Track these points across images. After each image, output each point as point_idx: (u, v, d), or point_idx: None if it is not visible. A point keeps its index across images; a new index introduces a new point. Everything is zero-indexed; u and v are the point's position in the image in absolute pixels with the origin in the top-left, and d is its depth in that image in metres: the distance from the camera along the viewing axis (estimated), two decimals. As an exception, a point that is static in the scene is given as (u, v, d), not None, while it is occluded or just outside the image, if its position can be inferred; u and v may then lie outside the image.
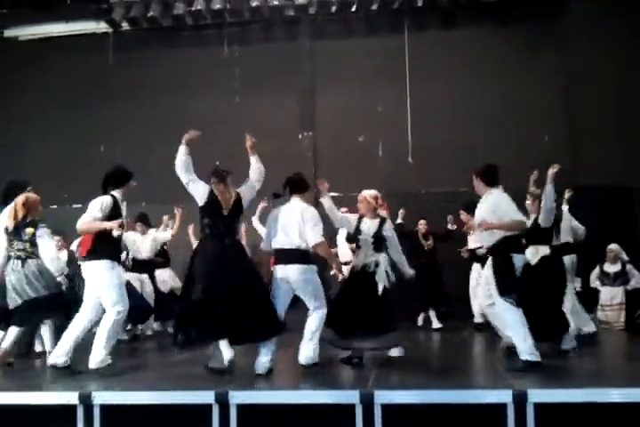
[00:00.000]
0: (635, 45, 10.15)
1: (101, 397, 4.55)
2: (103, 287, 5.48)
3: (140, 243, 8.42)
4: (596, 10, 10.27)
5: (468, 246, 8.86)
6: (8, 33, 11.74)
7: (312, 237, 5.36)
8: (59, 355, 5.48)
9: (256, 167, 5.61)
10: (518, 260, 5.50)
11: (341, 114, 10.84)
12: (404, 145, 10.62)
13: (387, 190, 9.40)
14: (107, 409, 4.53)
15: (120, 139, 11.11)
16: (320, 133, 10.99)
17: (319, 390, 4.68)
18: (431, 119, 10.62)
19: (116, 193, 5.69)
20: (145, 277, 8.35)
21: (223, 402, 4.43)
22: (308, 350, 5.41)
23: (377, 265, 5.74)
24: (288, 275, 5.36)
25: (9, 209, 6.05)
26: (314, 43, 11.22)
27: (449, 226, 9.00)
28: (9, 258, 5.96)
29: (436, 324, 8.91)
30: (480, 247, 8.30)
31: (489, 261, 5.61)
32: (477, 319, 8.67)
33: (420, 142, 10.59)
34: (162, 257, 8.99)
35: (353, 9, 10.88)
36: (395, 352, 5.83)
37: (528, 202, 6.84)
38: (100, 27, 11.51)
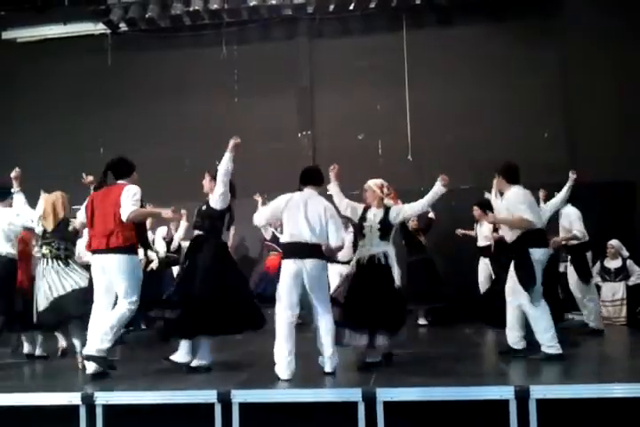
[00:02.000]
0: (633, 41, 10.14)
1: (104, 397, 4.55)
2: (125, 278, 5.29)
3: None
4: (594, 6, 10.27)
5: (474, 234, 9.02)
6: (6, 35, 11.73)
7: (336, 238, 5.16)
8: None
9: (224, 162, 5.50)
10: (537, 254, 5.64)
11: (340, 112, 10.84)
12: (403, 143, 10.62)
13: (387, 188, 9.45)
14: (109, 409, 4.53)
15: (119, 140, 11.07)
16: (319, 132, 10.99)
17: (321, 389, 4.69)
18: (430, 117, 10.61)
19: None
20: None
21: (225, 401, 4.43)
22: (333, 360, 5.16)
23: (386, 257, 5.52)
24: (305, 269, 5.08)
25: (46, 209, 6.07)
26: (312, 41, 11.21)
27: (430, 215, 9.02)
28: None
29: (421, 320, 9.01)
30: (488, 246, 8.53)
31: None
32: None
33: (419, 140, 10.59)
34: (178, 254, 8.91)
35: (351, 8, 10.86)
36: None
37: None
38: (98, 28, 11.50)
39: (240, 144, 5.44)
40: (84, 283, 5.92)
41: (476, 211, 8.35)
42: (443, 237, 9.35)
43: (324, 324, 5.16)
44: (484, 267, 8.89)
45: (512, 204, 5.74)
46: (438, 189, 5.68)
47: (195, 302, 5.36)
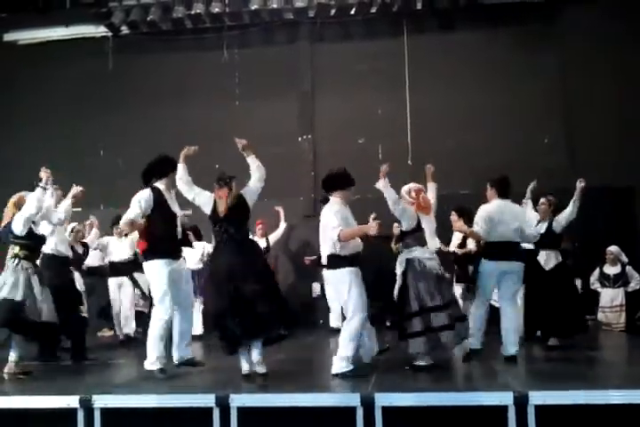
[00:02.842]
0: (633, 45, 10.16)
1: (102, 400, 4.55)
2: (153, 287, 5.45)
3: (116, 246, 8.38)
4: (594, 11, 10.28)
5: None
6: (8, 37, 11.72)
7: (331, 235, 5.21)
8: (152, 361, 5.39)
9: (256, 166, 5.57)
10: (487, 266, 6.12)
11: (341, 116, 10.84)
12: (403, 147, 10.63)
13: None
14: (107, 413, 4.53)
15: (120, 143, 11.11)
16: (320, 136, 10.99)
17: (320, 393, 4.67)
18: (431, 122, 10.62)
19: (160, 184, 5.56)
20: (124, 279, 8.32)
21: (224, 405, 4.43)
22: (339, 361, 5.19)
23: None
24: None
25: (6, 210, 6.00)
26: (313, 46, 11.22)
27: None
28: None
29: None
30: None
31: None
32: None
33: (419, 145, 10.59)
34: None
35: (352, 12, 10.88)
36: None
37: (543, 206, 7.01)
38: (100, 31, 11.50)
39: (190, 155, 5.47)
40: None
41: (454, 216, 8.22)
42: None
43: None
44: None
45: (477, 214, 6.23)
46: (379, 183, 5.59)
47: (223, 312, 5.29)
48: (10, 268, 5.84)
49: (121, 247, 8.39)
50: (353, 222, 5.44)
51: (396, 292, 5.61)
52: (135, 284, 8.41)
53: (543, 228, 6.94)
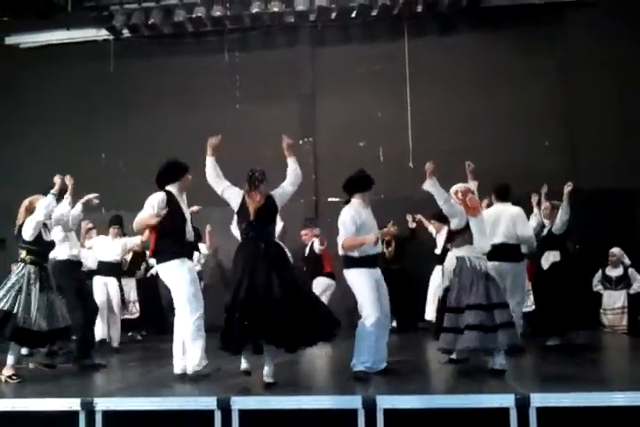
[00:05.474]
0: (635, 48, 10.16)
1: (103, 403, 4.55)
2: (175, 290, 5.40)
3: (107, 245, 8.33)
4: (595, 14, 10.28)
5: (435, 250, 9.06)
6: (10, 40, 11.73)
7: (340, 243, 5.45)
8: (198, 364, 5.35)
9: (293, 169, 5.68)
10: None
11: (342, 119, 10.84)
12: (404, 150, 10.62)
13: (387, 195, 9.43)
14: (109, 415, 4.53)
15: (122, 146, 11.12)
16: (320, 139, 10.99)
17: (322, 396, 4.67)
18: (432, 124, 10.62)
19: (172, 188, 5.59)
20: (111, 280, 8.20)
21: (225, 408, 4.43)
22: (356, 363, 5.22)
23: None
24: None
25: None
26: (314, 49, 11.23)
27: (409, 224, 9.31)
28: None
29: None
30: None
31: None
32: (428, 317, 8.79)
33: (420, 147, 10.58)
34: None
35: (353, 15, 10.90)
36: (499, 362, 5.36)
37: (551, 211, 7.13)
38: (101, 34, 11.51)
39: (216, 144, 5.48)
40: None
41: (434, 224, 8.69)
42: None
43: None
44: (438, 275, 8.91)
45: None
46: (426, 183, 5.56)
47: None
48: (13, 272, 5.85)
49: (112, 248, 8.31)
50: (372, 224, 5.54)
51: (440, 290, 5.71)
52: (121, 289, 8.36)
53: (545, 230, 7.04)
